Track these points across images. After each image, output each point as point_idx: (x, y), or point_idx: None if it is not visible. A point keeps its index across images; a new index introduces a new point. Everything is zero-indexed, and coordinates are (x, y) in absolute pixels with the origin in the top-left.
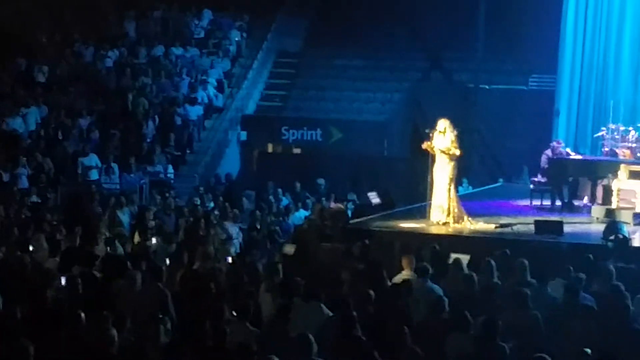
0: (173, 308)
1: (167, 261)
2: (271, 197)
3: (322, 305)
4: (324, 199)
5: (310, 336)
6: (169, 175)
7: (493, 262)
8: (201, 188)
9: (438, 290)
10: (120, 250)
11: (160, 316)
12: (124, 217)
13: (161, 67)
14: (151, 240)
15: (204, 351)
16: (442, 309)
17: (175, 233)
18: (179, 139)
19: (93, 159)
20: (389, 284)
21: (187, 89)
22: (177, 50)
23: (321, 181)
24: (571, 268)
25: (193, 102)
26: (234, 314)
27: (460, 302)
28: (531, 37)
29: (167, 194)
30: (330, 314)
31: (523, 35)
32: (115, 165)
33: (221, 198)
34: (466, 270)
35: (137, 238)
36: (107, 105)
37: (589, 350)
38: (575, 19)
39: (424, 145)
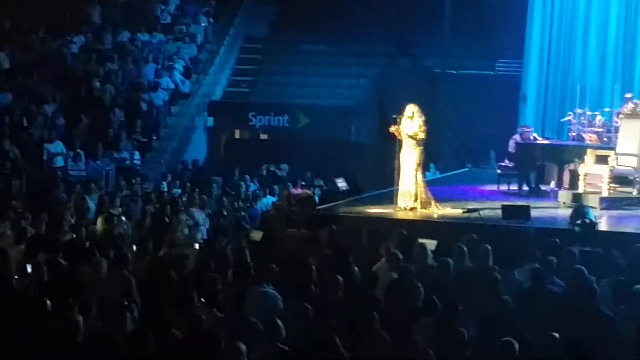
0: (138, 295)
1: (134, 248)
2: (241, 183)
3: (268, 288)
4: (290, 184)
5: (279, 322)
6: (135, 161)
7: (465, 248)
8: (169, 175)
9: None
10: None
11: (126, 303)
12: (92, 203)
13: (127, 52)
14: (118, 226)
15: (171, 338)
16: (417, 297)
17: (142, 219)
18: (146, 125)
19: (58, 146)
20: (357, 270)
21: (153, 75)
22: (143, 36)
23: (284, 167)
24: (539, 253)
25: (159, 88)
26: (202, 300)
27: (430, 288)
28: (498, 22)
29: (133, 181)
30: (279, 297)
31: (490, 20)
32: (81, 152)
33: (188, 184)
34: (430, 256)
35: (100, 224)
36: (73, 92)
37: (557, 335)
38: (543, 3)
39: (392, 130)
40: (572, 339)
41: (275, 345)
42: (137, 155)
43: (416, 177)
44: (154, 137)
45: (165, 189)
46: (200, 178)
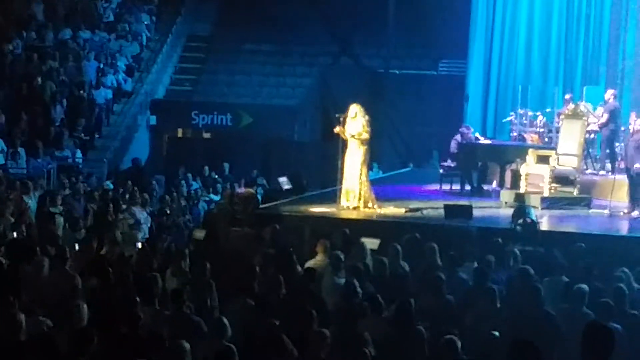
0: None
1: (77, 246)
2: (184, 182)
3: None
4: (236, 184)
5: (224, 320)
6: (77, 160)
7: (399, 247)
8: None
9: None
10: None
11: (76, 302)
12: (32, 202)
13: (69, 50)
14: (58, 225)
15: (115, 337)
16: (354, 295)
17: (84, 218)
18: (88, 123)
19: None
20: (300, 268)
21: (95, 73)
22: (85, 34)
23: (226, 165)
24: (481, 252)
25: (101, 86)
26: (143, 298)
27: (371, 286)
28: (441, 23)
29: (75, 179)
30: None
31: (433, 21)
32: (22, 150)
33: (129, 183)
34: (369, 255)
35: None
36: (14, 89)
37: (497, 333)
38: (486, 4)
39: (336, 130)
40: (514, 338)
41: (221, 343)
42: (79, 153)
43: (360, 176)
44: (96, 136)
45: (111, 188)
46: (140, 177)
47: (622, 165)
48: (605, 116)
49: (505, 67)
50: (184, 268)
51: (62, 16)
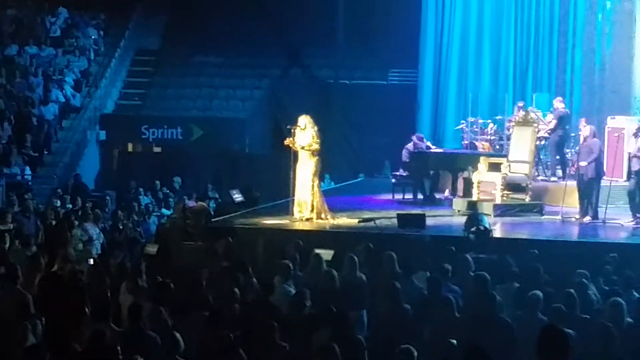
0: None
1: (27, 264)
2: (134, 197)
3: None
4: (185, 197)
5: (177, 335)
6: (26, 176)
7: (356, 258)
8: (59, 190)
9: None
10: None
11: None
12: None
13: (15, 66)
14: (6, 242)
15: (68, 354)
16: (302, 306)
17: (36, 235)
18: (36, 139)
19: None
20: (255, 281)
21: (42, 89)
22: (32, 50)
23: (177, 179)
24: (435, 260)
25: (49, 101)
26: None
27: (323, 298)
28: (391, 33)
29: (25, 196)
30: None
31: (382, 30)
32: None
33: (79, 199)
34: (325, 266)
35: None
36: None
37: (454, 341)
38: (435, 13)
39: (286, 142)
40: (470, 345)
41: (174, 358)
42: (27, 170)
43: (313, 187)
44: (45, 152)
45: (59, 204)
46: (82, 192)
47: (574, 172)
48: (554, 122)
49: (456, 76)
50: (141, 284)
51: (8, 32)
